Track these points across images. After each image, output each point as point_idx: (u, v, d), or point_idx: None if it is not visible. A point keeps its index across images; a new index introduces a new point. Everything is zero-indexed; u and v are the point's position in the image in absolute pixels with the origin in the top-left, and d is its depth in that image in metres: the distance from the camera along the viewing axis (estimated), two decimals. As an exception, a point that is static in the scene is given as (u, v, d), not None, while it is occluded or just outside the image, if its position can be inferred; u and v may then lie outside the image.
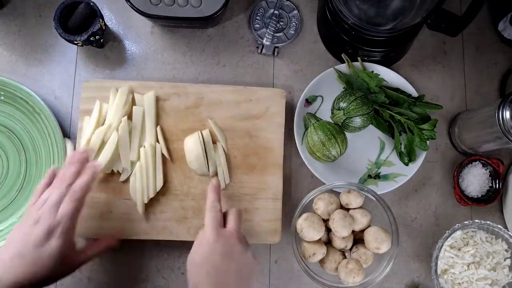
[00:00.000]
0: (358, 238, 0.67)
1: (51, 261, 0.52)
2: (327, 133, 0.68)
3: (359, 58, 0.74)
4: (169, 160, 0.69)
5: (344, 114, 0.68)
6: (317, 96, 0.75)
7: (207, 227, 0.56)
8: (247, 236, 0.68)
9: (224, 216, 0.59)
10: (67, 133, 0.73)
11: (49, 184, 0.58)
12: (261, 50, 0.77)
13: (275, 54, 0.77)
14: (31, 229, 0.53)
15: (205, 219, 0.57)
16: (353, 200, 0.66)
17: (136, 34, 0.77)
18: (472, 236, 0.70)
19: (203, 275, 0.53)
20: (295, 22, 0.78)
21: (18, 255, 0.52)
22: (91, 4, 0.70)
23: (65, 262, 0.54)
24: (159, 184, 0.67)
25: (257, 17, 0.78)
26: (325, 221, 0.66)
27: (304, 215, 0.65)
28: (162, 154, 0.68)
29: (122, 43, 0.77)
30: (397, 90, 0.74)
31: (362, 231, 0.66)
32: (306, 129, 0.72)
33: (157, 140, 0.69)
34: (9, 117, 0.71)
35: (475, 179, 0.73)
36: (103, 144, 0.66)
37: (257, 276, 0.57)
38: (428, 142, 0.71)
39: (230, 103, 0.71)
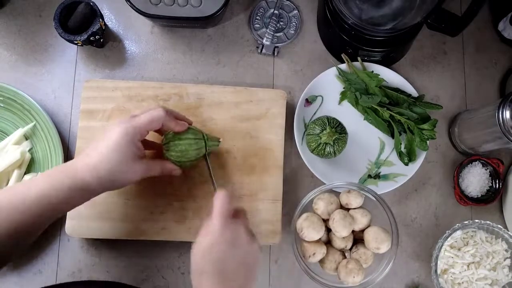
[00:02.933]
0: (358, 238, 0.67)
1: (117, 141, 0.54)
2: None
3: (359, 58, 0.74)
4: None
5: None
6: (317, 96, 0.75)
7: (216, 215, 0.55)
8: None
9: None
10: (67, 133, 0.73)
11: None
12: (261, 50, 0.77)
13: (275, 54, 0.77)
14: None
15: (214, 207, 0.56)
16: (353, 200, 0.66)
17: (136, 34, 0.77)
18: (472, 236, 0.70)
19: (208, 263, 0.53)
20: (295, 22, 0.78)
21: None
22: (91, 4, 0.70)
23: (131, 161, 0.56)
24: None
25: (257, 17, 0.78)
26: (325, 221, 0.66)
27: (304, 215, 0.65)
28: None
29: (122, 43, 0.77)
30: (397, 90, 0.74)
31: (362, 231, 0.66)
32: (306, 129, 0.72)
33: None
34: (5, 122, 0.71)
35: (475, 179, 0.73)
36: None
37: (260, 268, 0.57)
38: (428, 142, 0.71)
39: (231, 104, 0.71)
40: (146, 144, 0.62)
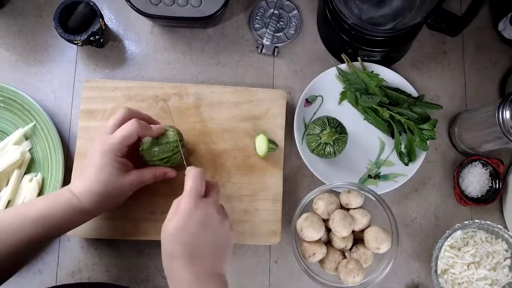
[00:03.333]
0: (358, 238, 0.67)
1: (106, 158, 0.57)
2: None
3: (359, 58, 0.74)
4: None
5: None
6: (317, 96, 0.75)
7: (187, 195, 0.54)
8: (247, 237, 0.68)
9: None
10: (67, 133, 0.73)
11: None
12: (261, 50, 0.77)
13: (275, 54, 0.77)
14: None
15: (185, 187, 0.55)
16: (353, 200, 0.66)
17: (136, 34, 0.77)
18: (472, 236, 0.70)
19: (178, 245, 0.51)
20: (295, 22, 0.78)
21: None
22: (91, 4, 0.70)
23: (120, 178, 0.58)
24: None
25: (257, 17, 0.78)
26: (325, 221, 0.66)
27: (304, 215, 0.65)
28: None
29: (122, 43, 0.77)
30: (397, 90, 0.74)
31: (362, 231, 0.66)
32: (306, 129, 0.72)
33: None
34: (5, 122, 0.71)
35: (475, 179, 0.73)
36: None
37: (233, 249, 0.56)
38: (428, 142, 0.71)
39: (231, 104, 0.71)
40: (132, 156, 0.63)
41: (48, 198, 0.57)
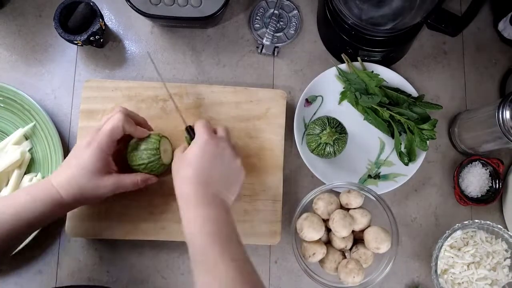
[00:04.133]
0: (358, 238, 0.67)
1: (88, 165, 0.57)
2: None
3: (359, 58, 0.74)
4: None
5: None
6: (317, 96, 0.75)
7: (199, 129, 0.59)
8: (247, 237, 0.68)
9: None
10: (67, 133, 0.73)
11: None
12: (261, 50, 0.77)
13: (275, 54, 0.77)
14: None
15: (195, 126, 0.60)
16: (353, 200, 0.66)
17: (136, 34, 0.77)
18: (472, 236, 0.70)
19: (193, 169, 0.56)
20: (295, 22, 0.78)
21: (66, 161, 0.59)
22: (91, 4, 0.70)
23: (100, 177, 0.58)
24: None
25: (257, 17, 0.78)
26: (325, 221, 0.66)
27: (304, 215, 0.65)
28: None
29: (122, 43, 0.77)
30: (397, 90, 0.74)
31: (362, 231, 0.66)
32: (306, 129, 0.72)
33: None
34: (5, 122, 0.71)
35: (475, 179, 0.73)
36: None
37: (242, 186, 0.61)
38: (428, 142, 0.71)
39: (231, 104, 0.71)
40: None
41: (29, 192, 0.56)
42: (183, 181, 0.56)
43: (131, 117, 0.61)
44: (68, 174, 0.57)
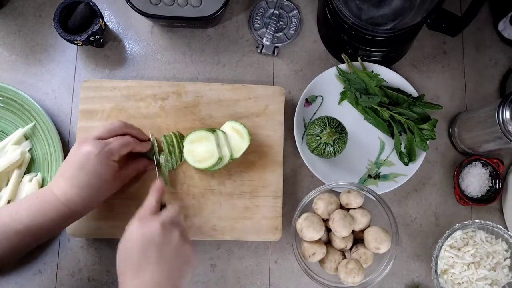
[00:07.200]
0: (358, 238, 0.67)
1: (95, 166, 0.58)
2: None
3: (359, 58, 0.74)
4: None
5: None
6: (317, 96, 0.75)
7: (137, 213, 0.58)
8: (248, 234, 0.68)
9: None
10: (67, 133, 0.73)
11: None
12: (261, 50, 0.77)
13: (275, 54, 0.77)
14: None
15: (150, 189, 0.61)
16: (353, 200, 0.66)
17: (136, 34, 0.77)
18: (472, 236, 0.70)
19: (121, 261, 0.56)
20: (295, 22, 0.78)
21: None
22: (91, 4, 0.70)
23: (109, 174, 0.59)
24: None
25: (257, 17, 0.78)
26: (325, 221, 0.66)
27: (304, 215, 0.65)
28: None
29: (122, 43, 0.77)
30: (397, 90, 0.74)
31: (362, 231, 0.66)
32: (306, 129, 0.72)
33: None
34: (5, 122, 0.71)
35: (475, 179, 0.73)
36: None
37: (193, 268, 0.58)
38: (428, 142, 0.71)
39: (230, 102, 0.71)
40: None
41: (31, 206, 0.56)
42: (119, 276, 0.56)
43: (133, 136, 0.64)
44: (78, 190, 0.57)
